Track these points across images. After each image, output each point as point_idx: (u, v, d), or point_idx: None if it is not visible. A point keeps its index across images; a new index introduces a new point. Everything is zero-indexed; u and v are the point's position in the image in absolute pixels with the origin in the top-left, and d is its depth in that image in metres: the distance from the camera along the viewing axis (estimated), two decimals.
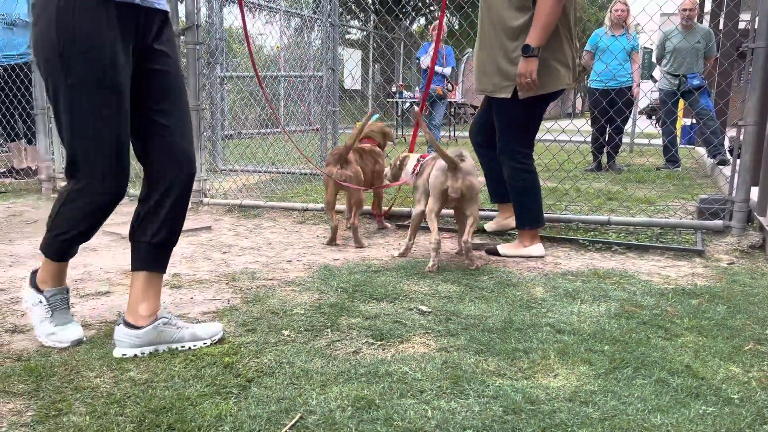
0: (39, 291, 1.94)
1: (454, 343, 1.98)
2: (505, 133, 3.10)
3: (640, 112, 9.05)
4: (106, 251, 3.17)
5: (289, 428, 1.45)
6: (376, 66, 15.76)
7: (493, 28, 2.99)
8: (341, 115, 6.54)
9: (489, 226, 3.57)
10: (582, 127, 4.92)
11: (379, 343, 1.99)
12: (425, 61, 8.03)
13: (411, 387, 1.67)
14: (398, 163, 3.39)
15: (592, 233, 3.59)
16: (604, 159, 6.91)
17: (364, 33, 17.25)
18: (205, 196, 4.50)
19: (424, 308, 2.30)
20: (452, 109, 11.94)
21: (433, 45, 7.71)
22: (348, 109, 11.01)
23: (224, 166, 6.25)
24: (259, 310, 2.28)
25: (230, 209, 4.37)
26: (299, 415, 1.51)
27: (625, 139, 8.51)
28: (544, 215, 3.31)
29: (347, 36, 16.79)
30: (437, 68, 7.95)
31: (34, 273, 1.98)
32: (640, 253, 3.25)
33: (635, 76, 6.61)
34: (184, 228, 3.71)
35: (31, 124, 5.69)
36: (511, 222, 3.38)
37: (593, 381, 1.72)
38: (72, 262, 2.95)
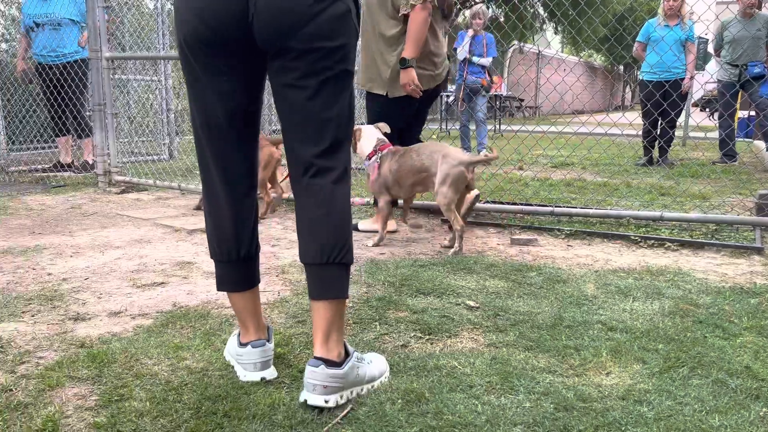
0: None
1: (503, 339, 1.97)
2: (373, 121, 3.46)
3: (694, 105, 8.75)
4: (160, 243, 3.27)
5: (340, 419, 1.47)
6: None
7: (373, 31, 3.39)
8: None
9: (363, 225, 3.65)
10: (634, 121, 4.80)
11: (427, 337, 1.99)
12: (461, 51, 7.44)
13: (460, 382, 1.67)
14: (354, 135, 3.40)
15: (643, 229, 3.51)
16: (656, 153, 6.72)
17: None
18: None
19: (471, 303, 2.30)
20: (498, 103, 11.81)
21: (470, 33, 7.34)
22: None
23: None
24: (309, 303, 2.31)
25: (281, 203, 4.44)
26: (350, 406, 1.53)
27: (677, 133, 8.26)
28: (594, 210, 3.42)
29: None
30: (477, 59, 7.37)
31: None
32: (694, 250, 3.16)
33: (690, 67, 6.40)
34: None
35: (81, 119, 5.91)
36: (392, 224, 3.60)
37: (647, 380, 1.68)
38: (127, 253, 3.06)
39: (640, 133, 6.59)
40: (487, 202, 4.16)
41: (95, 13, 4.75)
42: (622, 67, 28.59)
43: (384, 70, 3.35)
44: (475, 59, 7.35)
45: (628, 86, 31.11)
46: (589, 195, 4.64)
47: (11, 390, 1.60)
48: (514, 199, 4.30)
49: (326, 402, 1.50)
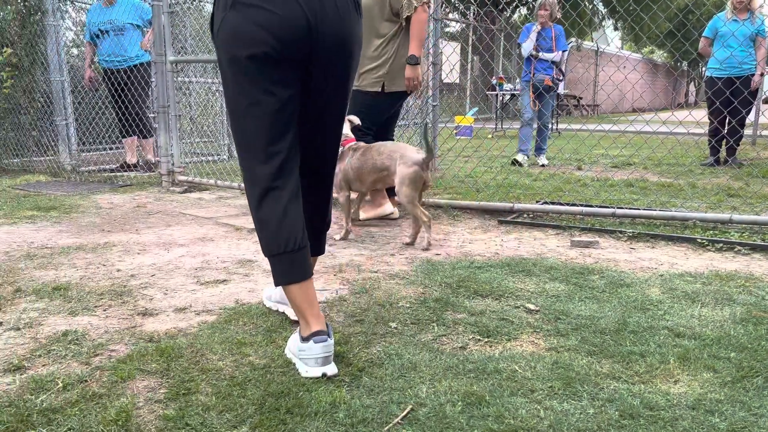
0: None
1: (564, 344, 1.93)
2: (364, 119, 3.62)
3: (765, 101, 8.34)
4: (222, 241, 3.36)
5: (401, 419, 1.48)
6: (475, 58, 15.58)
7: (369, 32, 3.58)
8: (440, 109, 6.52)
9: (364, 214, 3.91)
10: (701, 119, 4.62)
11: (486, 339, 1.98)
12: (527, 47, 6.68)
13: (521, 386, 1.64)
14: None
15: (711, 232, 3.37)
16: (724, 153, 6.44)
17: (462, 25, 17.09)
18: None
19: (531, 306, 2.26)
20: (556, 101, 11.58)
21: (536, 27, 6.66)
22: (447, 103, 10.97)
23: None
24: (366, 302, 2.33)
25: (334, 203, 4.49)
26: (410, 406, 1.53)
27: (747, 131, 7.90)
28: (657, 212, 3.42)
29: (445, 29, 16.72)
30: (544, 54, 6.60)
31: None
32: (767, 255, 3.01)
33: (761, 63, 6.10)
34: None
35: (143, 120, 6.14)
36: (386, 209, 3.86)
37: (719, 389, 1.62)
38: (191, 251, 3.16)
39: (707, 131, 6.33)
40: (546, 203, 4.09)
41: (160, 19, 4.92)
42: (686, 64, 27.55)
43: (382, 66, 3.59)
44: (542, 55, 6.67)
45: (692, 83, 29.96)
46: (653, 196, 4.50)
47: (86, 381, 1.68)
48: (573, 200, 4.21)
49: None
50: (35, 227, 3.71)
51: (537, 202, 4.17)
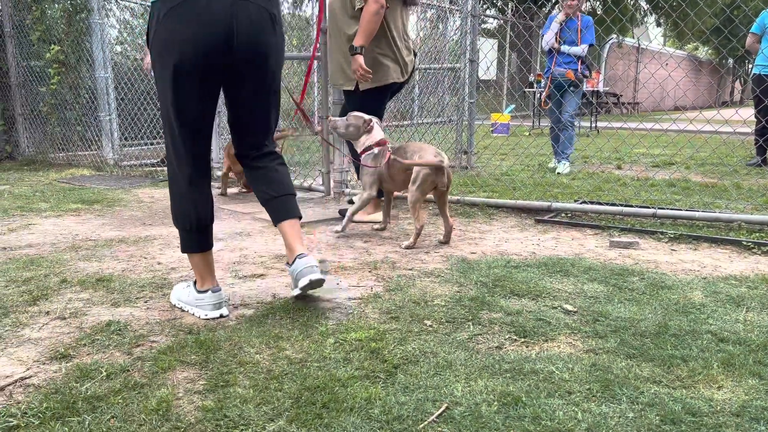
0: None
1: (603, 346, 1.90)
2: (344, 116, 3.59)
3: None
4: (259, 236, 3.40)
5: (436, 417, 1.47)
6: (513, 54, 15.41)
7: (338, 33, 3.60)
8: (477, 107, 6.46)
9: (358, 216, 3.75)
10: (748, 118, 4.48)
11: (522, 339, 1.96)
12: (547, 39, 6.09)
13: (558, 387, 1.62)
14: (363, 123, 3.40)
15: (757, 234, 3.27)
16: None
17: (500, 21, 16.91)
18: (346, 187, 4.67)
19: (569, 307, 2.23)
20: (595, 98, 11.37)
21: (560, 17, 5.98)
22: (484, 100, 10.89)
23: None
24: (401, 299, 2.33)
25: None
26: (445, 405, 1.53)
27: None
28: (700, 213, 3.36)
29: (483, 25, 16.58)
30: (566, 47, 5.99)
31: None
32: None
33: None
34: (327, 217, 3.89)
35: None
36: (376, 217, 3.77)
37: (764, 396, 1.57)
38: (229, 245, 3.21)
39: (754, 131, 6.14)
40: (584, 202, 4.02)
41: None
42: (731, 61, 26.74)
43: (349, 66, 3.55)
44: (565, 48, 6.02)
45: (738, 81, 29.08)
46: (696, 197, 4.38)
47: (128, 370, 1.72)
48: (612, 200, 4.13)
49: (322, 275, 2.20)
50: (80, 220, 3.82)
51: (575, 201, 4.11)
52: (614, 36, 16.81)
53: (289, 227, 2.25)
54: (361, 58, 3.41)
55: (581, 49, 5.97)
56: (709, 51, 27.63)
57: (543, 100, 6.15)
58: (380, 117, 3.66)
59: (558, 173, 5.73)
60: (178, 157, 2.12)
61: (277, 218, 2.27)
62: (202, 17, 1.96)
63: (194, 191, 2.15)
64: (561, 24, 6.02)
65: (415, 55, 3.80)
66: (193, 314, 2.17)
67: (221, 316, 2.14)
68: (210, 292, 2.16)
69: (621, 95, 16.49)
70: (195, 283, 2.22)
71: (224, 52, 2.02)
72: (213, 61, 2.01)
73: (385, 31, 3.53)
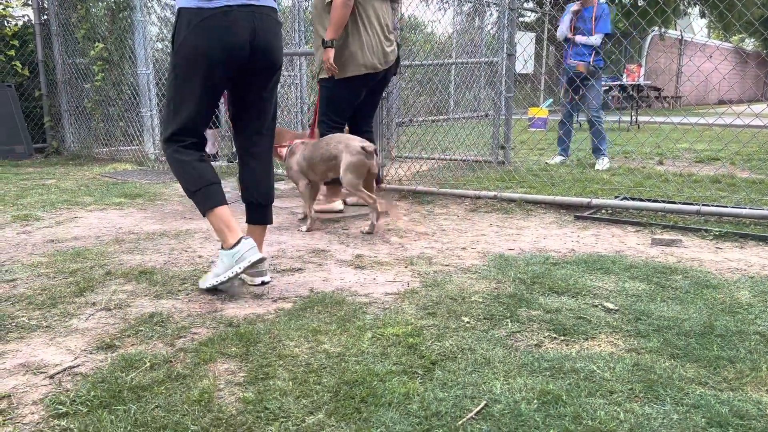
0: None
1: (645, 345, 1.86)
2: (324, 106, 3.79)
3: None
4: (297, 231, 3.43)
5: (475, 414, 1.47)
6: (551, 48, 15.17)
7: (320, 28, 3.69)
8: (514, 101, 6.38)
9: (316, 207, 3.93)
10: None
11: (562, 338, 1.93)
12: (561, 29, 5.97)
13: (599, 386, 1.60)
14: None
15: None
16: None
17: (538, 14, 16.66)
18: (382, 182, 4.68)
19: (610, 305, 2.19)
20: (637, 92, 11.12)
21: (574, 6, 5.93)
22: (521, 94, 10.76)
23: (397, 153, 6.44)
24: (438, 295, 2.32)
25: (404, 195, 4.50)
26: (484, 402, 1.52)
27: None
28: (747, 210, 3.33)
29: (520, 18, 16.34)
30: (580, 38, 5.82)
31: None
32: None
33: None
34: (363, 212, 3.89)
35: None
36: (335, 206, 3.95)
37: None
38: (268, 239, 3.25)
39: None
40: (625, 198, 3.94)
41: None
42: None
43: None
44: (578, 39, 5.84)
45: None
46: (742, 193, 4.25)
47: (171, 361, 1.76)
48: (654, 196, 4.04)
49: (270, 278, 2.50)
50: (123, 213, 3.92)
51: (616, 197, 4.03)
52: (656, 28, 16.40)
53: (260, 231, 2.59)
54: (330, 52, 3.56)
55: (595, 38, 5.79)
56: (756, 42, 26.72)
57: (563, 92, 6.09)
58: (350, 107, 3.80)
59: (597, 170, 5.68)
60: (186, 134, 2.35)
61: (252, 221, 2.57)
62: (231, 29, 2.24)
63: (201, 158, 2.38)
64: (575, 14, 5.90)
65: (398, 47, 3.86)
66: (235, 274, 2.28)
67: (261, 259, 2.30)
68: (242, 240, 2.30)
69: (662, 89, 16.09)
70: (222, 248, 2.35)
71: (247, 58, 2.32)
72: (238, 65, 2.31)
73: (358, 23, 3.62)
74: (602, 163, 5.79)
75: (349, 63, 3.65)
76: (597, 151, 5.88)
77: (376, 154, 3.41)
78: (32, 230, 3.43)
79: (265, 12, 2.34)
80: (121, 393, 1.57)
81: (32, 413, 1.50)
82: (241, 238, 2.31)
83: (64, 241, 3.18)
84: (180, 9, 2.26)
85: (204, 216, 2.35)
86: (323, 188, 4.01)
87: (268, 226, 2.69)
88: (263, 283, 2.45)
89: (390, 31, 3.79)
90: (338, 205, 3.97)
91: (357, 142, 3.35)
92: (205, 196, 2.32)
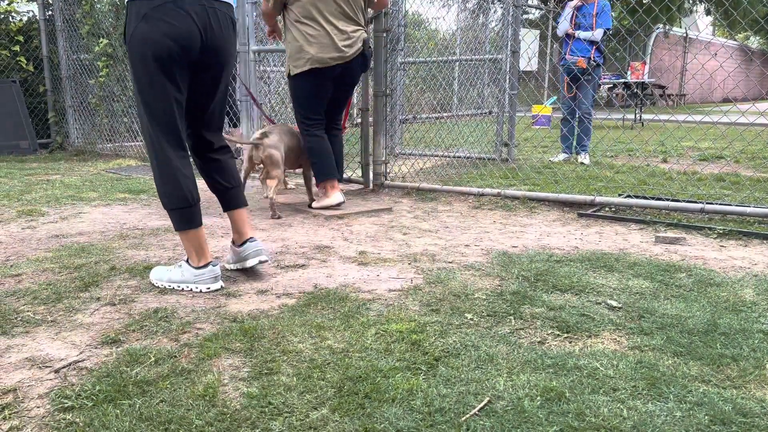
0: None
1: (649, 343, 1.86)
2: (294, 102, 3.87)
3: None
4: (300, 227, 3.44)
5: (478, 411, 1.47)
6: (555, 45, 15.13)
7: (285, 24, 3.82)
8: (518, 98, 6.37)
9: (315, 204, 3.98)
10: None
11: (565, 335, 1.93)
12: (562, 25, 6.03)
13: (603, 384, 1.60)
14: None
15: None
16: None
17: (542, 11, 16.60)
18: (385, 179, 4.68)
19: (613, 303, 2.19)
20: (641, 90, 11.09)
21: (573, 2, 5.96)
22: (525, 92, 10.74)
23: (401, 150, 6.44)
24: (442, 292, 2.33)
25: (408, 192, 4.50)
26: (487, 399, 1.52)
27: None
28: (752, 209, 3.32)
29: (524, 15, 16.29)
30: (581, 33, 5.87)
31: None
32: None
33: None
34: (367, 208, 3.90)
35: (230, 109, 6.38)
36: (333, 200, 3.90)
37: None
38: (271, 235, 3.26)
39: None
40: (629, 196, 3.94)
41: (244, 9, 5.06)
42: None
43: (287, 50, 3.79)
44: (580, 34, 5.87)
45: None
46: (746, 192, 4.24)
47: (176, 356, 1.77)
48: (658, 194, 4.03)
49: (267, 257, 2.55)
50: (127, 209, 3.93)
51: (619, 195, 4.02)
52: (660, 26, 16.34)
53: (238, 215, 2.56)
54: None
55: (593, 34, 5.82)
56: (761, 40, 26.62)
57: (566, 87, 6.17)
58: (317, 101, 3.79)
59: (581, 163, 5.88)
60: (168, 141, 2.29)
61: (228, 207, 2.56)
62: (181, 19, 2.21)
63: (186, 167, 2.33)
64: (575, 9, 5.93)
65: (365, 41, 3.79)
66: (191, 290, 2.35)
67: (221, 287, 2.39)
68: (210, 266, 2.37)
69: (667, 87, 16.04)
70: (187, 261, 2.39)
71: (198, 52, 2.29)
72: (189, 57, 2.27)
73: (300, 18, 3.67)
74: (585, 158, 6.03)
75: (299, 58, 3.69)
76: (582, 146, 6.11)
77: (263, 145, 3.63)
78: (37, 225, 3.45)
79: (218, 7, 2.33)
80: (126, 387, 1.58)
81: (38, 407, 1.50)
82: (210, 263, 2.36)
83: (69, 237, 3.20)
84: (128, 3, 2.22)
85: (176, 231, 2.38)
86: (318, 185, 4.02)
87: (281, 221, 2.78)
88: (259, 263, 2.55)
89: (351, 23, 3.73)
90: (334, 200, 3.92)
91: (257, 133, 3.68)
92: (182, 216, 2.33)
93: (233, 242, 2.59)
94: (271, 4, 3.71)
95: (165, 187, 2.31)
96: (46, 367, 1.72)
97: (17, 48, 7.20)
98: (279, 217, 3.66)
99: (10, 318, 2.06)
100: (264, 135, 3.66)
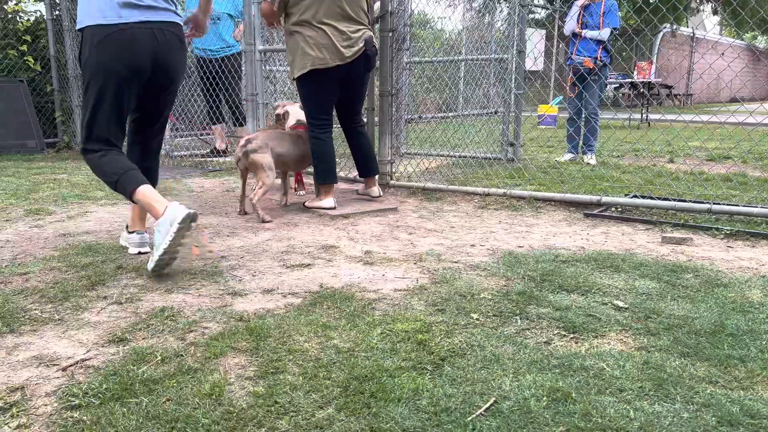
0: None
1: (656, 343, 1.85)
2: (302, 104, 3.91)
3: None
4: (306, 227, 3.44)
5: (484, 411, 1.47)
6: (561, 45, 15.10)
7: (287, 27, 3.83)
8: (524, 98, 6.35)
9: (359, 191, 4.26)
10: None
11: (571, 335, 1.93)
12: (569, 24, 6.04)
13: (609, 384, 1.60)
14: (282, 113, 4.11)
15: None
16: None
17: (548, 11, 16.56)
18: (391, 179, 4.68)
19: (620, 303, 2.18)
20: (648, 89, 11.04)
21: (580, 1, 5.97)
22: (531, 92, 10.72)
23: (406, 149, 6.43)
24: (447, 292, 2.32)
25: (413, 192, 4.50)
26: (493, 399, 1.52)
27: None
28: (759, 209, 3.29)
29: (530, 15, 16.24)
30: (588, 32, 5.85)
31: None
32: None
33: None
34: (372, 208, 3.90)
35: (237, 109, 6.38)
36: (372, 191, 4.15)
37: None
38: (277, 235, 3.26)
39: None
40: (635, 196, 3.93)
41: (251, 9, 5.07)
42: None
43: (288, 55, 3.82)
44: (587, 33, 5.84)
45: None
46: (753, 192, 4.22)
47: (182, 355, 1.77)
48: (664, 195, 4.02)
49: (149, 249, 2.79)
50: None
51: (626, 195, 4.01)
52: (668, 25, 16.27)
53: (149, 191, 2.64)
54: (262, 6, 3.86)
55: (600, 33, 5.79)
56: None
57: (569, 87, 6.16)
58: (324, 102, 3.82)
59: (587, 163, 5.87)
60: (107, 135, 2.57)
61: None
62: (130, 46, 2.47)
63: (119, 150, 2.63)
64: (582, 8, 5.93)
65: (368, 41, 3.78)
66: (175, 233, 2.40)
67: (139, 253, 2.81)
68: (136, 234, 2.81)
69: (673, 86, 15.98)
70: (127, 227, 2.88)
71: (149, 74, 2.57)
72: (140, 80, 2.56)
73: (298, 20, 3.68)
74: (591, 158, 6.00)
75: (301, 59, 3.71)
76: (588, 146, 6.07)
77: (248, 150, 3.59)
78: (44, 224, 3.46)
79: (165, 28, 2.55)
80: (132, 386, 1.58)
81: (45, 405, 1.51)
82: (167, 205, 2.48)
83: (76, 235, 3.21)
84: (83, 28, 2.49)
85: (131, 199, 2.53)
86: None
87: (287, 220, 3.04)
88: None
89: (352, 23, 3.74)
90: (373, 191, 4.13)
91: (242, 140, 3.65)
92: (126, 181, 2.52)
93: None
94: (276, 5, 3.71)
95: (104, 171, 2.59)
96: (54, 365, 1.73)
97: (25, 48, 7.24)
98: (268, 221, 3.56)
99: (18, 316, 2.07)
100: (248, 141, 3.63)
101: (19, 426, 1.42)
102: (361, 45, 3.76)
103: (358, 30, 3.76)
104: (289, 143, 3.83)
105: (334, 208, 3.83)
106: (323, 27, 3.67)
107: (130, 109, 2.63)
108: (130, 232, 2.86)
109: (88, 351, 1.82)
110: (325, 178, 3.83)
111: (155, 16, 2.53)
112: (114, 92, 2.51)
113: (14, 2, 7.34)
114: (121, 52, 2.46)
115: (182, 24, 2.70)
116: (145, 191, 2.49)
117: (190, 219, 2.40)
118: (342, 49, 3.70)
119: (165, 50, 2.57)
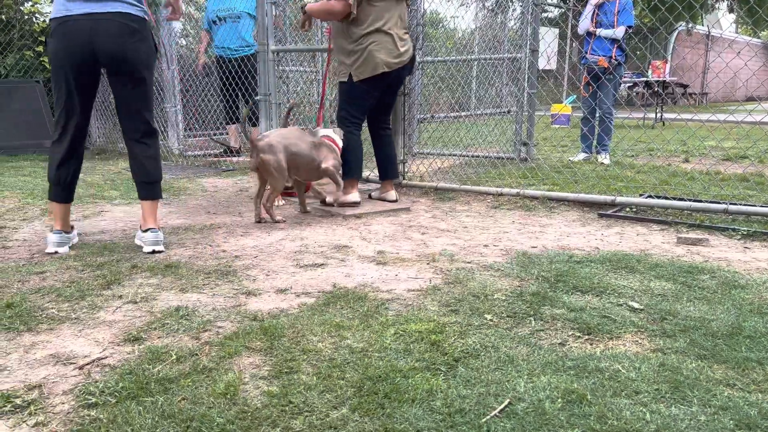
0: None
1: (672, 345, 1.84)
2: (344, 103, 3.94)
3: None
4: (319, 227, 3.45)
5: (498, 412, 1.46)
6: (575, 44, 15.01)
7: (337, 31, 3.87)
8: (537, 97, 6.32)
9: (373, 195, 4.26)
10: None
11: (586, 337, 1.92)
12: (583, 23, 5.99)
13: (624, 386, 1.58)
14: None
15: None
16: None
17: (561, 10, 16.47)
18: (404, 178, 4.67)
19: (635, 305, 2.17)
20: (662, 88, 10.94)
21: (594, 0, 5.88)
22: (544, 90, 10.66)
23: (419, 149, 6.42)
24: (461, 292, 2.32)
25: (426, 191, 4.49)
26: (508, 400, 1.52)
27: None
28: None
29: (543, 14, 16.16)
30: (603, 31, 5.81)
31: None
32: None
33: None
34: (385, 208, 3.90)
35: (255, 107, 6.41)
36: (389, 195, 4.15)
37: None
38: (290, 235, 3.27)
39: None
40: (650, 196, 3.89)
41: (263, 8, 5.08)
42: None
43: (346, 58, 3.82)
44: (601, 32, 5.81)
45: None
46: None
47: (197, 355, 1.78)
48: (680, 195, 3.98)
49: (163, 248, 2.93)
50: None
51: (641, 195, 3.98)
52: (683, 23, 16.12)
53: (149, 205, 2.97)
54: (303, 16, 3.91)
55: (615, 32, 5.75)
56: None
57: (582, 86, 6.13)
58: (367, 104, 3.92)
59: (601, 163, 5.84)
60: (64, 122, 2.85)
61: (141, 197, 3.00)
62: (68, 35, 2.71)
63: (67, 155, 2.93)
64: (596, 7, 5.90)
65: (414, 47, 3.98)
66: (141, 247, 2.90)
67: (56, 252, 2.87)
68: (150, 232, 2.90)
69: (689, 85, 15.83)
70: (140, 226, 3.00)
71: (92, 58, 2.75)
72: (84, 65, 2.76)
73: (373, 24, 3.73)
74: (605, 157, 5.97)
75: (367, 63, 3.76)
76: (602, 146, 6.05)
77: (257, 150, 3.47)
78: None
79: (108, 17, 2.72)
80: (148, 385, 1.60)
81: (62, 403, 1.53)
82: (53, 231, 2.89)
83: (91, 235, 3.24)
84: (49, 21, 2.79)
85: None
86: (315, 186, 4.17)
87: (300, 220, 2.94)
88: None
89: (405, 30, 3.89)
90: (390, 194, 4.14)
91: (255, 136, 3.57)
92: (51, 190, 2.96)
93: (140, 227, 3.00)
94: (354, 6, 3.66)
95: (50, 167, 2.98)
96: (70, 363, 1.74)
97: (41, 48, 7.31)
98: (281, 221, 3.54)
99: (35, 315, 2.09)
100: (259, 139, 3.46)
101: (37, 424, 1.44)
102: (411, 50, 3.92)
103: (407, 33, 3.92)
104: (308, 146, 3.61)
105: (359, 202, 3.91)
106: (390, 31, 3.79)
107: (85, 97, 2.85)
108: (143, 231, 2.93)
109: (104, 350, 1.83)
110: (354, 173, 3.94)
111: (98, 7, 2.71)
112: (64, 80, 2.77)
113: (31, 3, 7.42)
114: (63, 41, 2.71)
115: (136, 13, 2.79)
116: (52, 206, 2.97)
117: (56, 251, 2.86)
118: (402, 53, 3.84)
119: (104, 38, 2.72)
